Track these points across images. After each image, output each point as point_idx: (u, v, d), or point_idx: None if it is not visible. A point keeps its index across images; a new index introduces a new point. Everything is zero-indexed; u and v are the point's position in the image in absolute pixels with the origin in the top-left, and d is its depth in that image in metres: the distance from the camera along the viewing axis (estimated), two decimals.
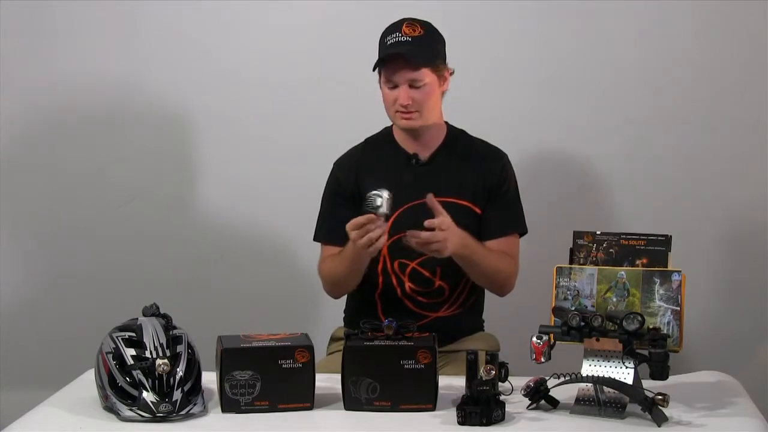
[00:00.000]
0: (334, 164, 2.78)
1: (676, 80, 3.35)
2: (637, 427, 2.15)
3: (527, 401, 2.26)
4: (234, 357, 2.24)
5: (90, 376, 2.36)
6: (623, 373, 2.20)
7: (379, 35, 2.68)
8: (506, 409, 2.18)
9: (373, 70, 2.65)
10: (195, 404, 2.24)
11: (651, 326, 2.21)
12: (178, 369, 2.23)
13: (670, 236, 2.35)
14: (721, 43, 3.33)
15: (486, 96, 3.33)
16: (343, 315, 2.86)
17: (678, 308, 2.28)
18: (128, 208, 3.48)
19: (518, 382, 2.27)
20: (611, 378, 2.21)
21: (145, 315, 2.34)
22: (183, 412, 2.21)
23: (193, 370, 2.26)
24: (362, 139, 2.82)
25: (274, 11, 3.42)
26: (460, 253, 2.57)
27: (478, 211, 2.71)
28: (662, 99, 3.36)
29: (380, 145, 2.78)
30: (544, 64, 3.37)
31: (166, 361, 2.21)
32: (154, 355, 2.22)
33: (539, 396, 2.26)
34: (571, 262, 2.40)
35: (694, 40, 3.34)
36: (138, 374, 2.21)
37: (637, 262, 2.35)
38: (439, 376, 2.30)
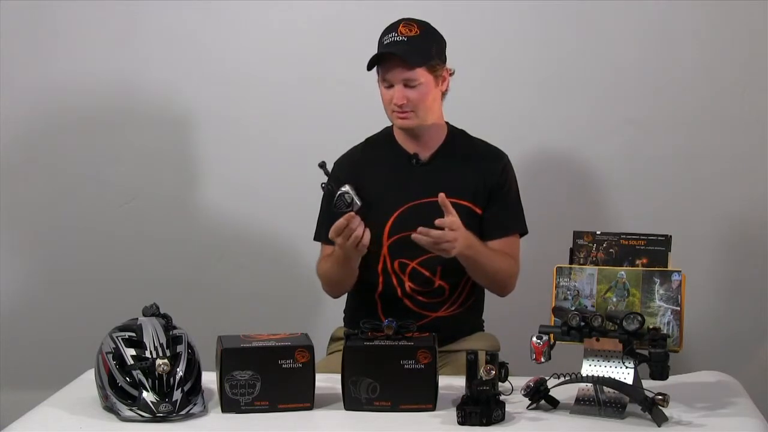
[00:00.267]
0: (335, 164, 2.78)
1: (676, 80, 3.36)
2: (637, 427, 2.15)
3: (527, 401, 2.26)
4: (234, 357, 2.24)
5: (90, 376, 2.36)
6: (623, 373, 2.20)
7: (380, 35, 2.68)
8: (506, 409, 2.18)
9: (368, 69, 2.65)
10: (195, 404, 2.24)
11: (651, 326, 2.21)
12: (178, 369, 2.23)
13: (670, 236, 2.35)
14: (721, 43, 3.33)
15: (486, 96, 3.33)
16: (343, 315, 2.86)
17: (678, 308, 2.28)
18: (128, 208, 3.49)
19: (518, 382, 2.26)
20: (611, 378, 2.21)
21: (145, 315, 2.34)
22: (183, 412, 2.21)
23: (193, 370, 2.26)
24: (362, 139, 2.82)
25: (275, 11, 3.43)
26: (465, 253, 2.57)
27: (478, 211, 2.71)
28: (662, 99, 3.36)
29: (380, 145, 2.78)
30: (544, 64, 3.37)
31: (166, 361, 2.21)
32: (154, 355, 2.22)
33: (539, 396, 2.26)
34: (571, 262, 2.40)
35: (694, 40, 3.34)
36: (138, 374, 2.21)
37: (637, 262, 2.35)
38: (439, 376, 2.30)
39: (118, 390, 2.21)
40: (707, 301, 3.35)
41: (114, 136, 3.47)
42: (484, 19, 3.36)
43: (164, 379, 2.20)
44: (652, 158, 3.38)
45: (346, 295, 2.82)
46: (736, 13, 3.31)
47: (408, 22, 2.66)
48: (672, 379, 2.19)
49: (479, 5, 3.35)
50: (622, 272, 2.33)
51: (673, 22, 3.34)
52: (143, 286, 3.23)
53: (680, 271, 2.29)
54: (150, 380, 2.20)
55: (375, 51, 2.66)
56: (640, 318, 2.18)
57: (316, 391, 2.27)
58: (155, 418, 2.19)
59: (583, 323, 2.23)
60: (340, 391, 2.26)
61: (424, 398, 2.24)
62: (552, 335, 2.26)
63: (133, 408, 2.19)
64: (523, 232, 2.77)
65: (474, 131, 2.79)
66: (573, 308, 2.29)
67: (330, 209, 2.59)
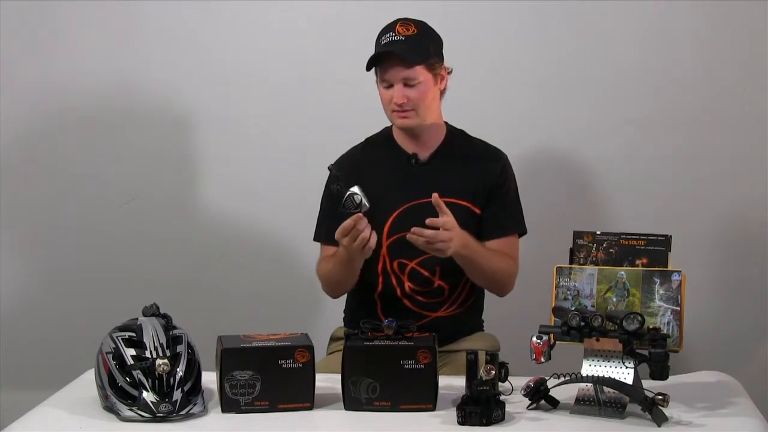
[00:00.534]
0: (334, 164, 2.77)
1: (676, 80, 3.36)
2: (637, 427, 2.15)
3: (527, 401, 2.26)
4: (234, 357, 2.24)
5: (90, 376, 2.36)
6: (623, 373, 2.20)
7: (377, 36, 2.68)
8: (506, 409, 2.18)
9: (367, 69, 2.65)
10: (195, 404, 2.24)
11: (651, 326, 2.21)
12: (178, 369, 2.23)
13: (670, 236, 2.35)
14: (721, 43, 3.33)
15: (486, 96, 3.33)
16: (343, 315, 2.86)
17: (678, 308, 2.27)
18: (128, 208, 3.48)
19: (518, 382, 2.26)
20: (611, 378, 2.21)
21: (145, 315, 2.34)
22: (183, 412, 2.21)
23: (193, 370, 2.26)
24: (362, 139, 2.82)
25: (275, 11, 3.43)
26: (461, 253, 2.57)
27: (477, 211, 2.71)
28: (662, 99, 3.36)
29: (380, 145, 2.79)
30: (544, 64, 3.37)
31: (166, 361, 2.21)
32: (154, 355, 2.22)
33: (539, 396, 2.26)
34: (571, 262, 2.40)
35: (694, 40, 3.34)
36: (138, 374, 2.21)
37: (637, 262, 2.35)
38: (439, 376, 2.30)
39: (118, 390, 2.21)
40: (707, 300, 3.35)
41: (114, 136, 3.47)
42: (484, 19, 3.36)
43: (164, 379, 2.20)
44: (652, 158, 3.38)
45: (345, 295, 2.82)
46: (736, 13, 3.31)
47: (405, 21, 2.66)
48: (672, 379, 2.19)
49: (479, 5, 3.35)
50: (622, 272, 2.33)
51: (673, 22, 3.34)
52: (143, 286, 3.23)
53: (680, 271, 2.29)
54: (150, 380, 2.20)
55: (374, 51, 2.66)
56: (640, 318, 2.18)
57: (316, 391, 2.27)
58: (155, 418, 2.19)
59: (583, 323, 2.23)
60: (340, 391, 2.26)
61: (424, 398, 2.24)
62: (552, 335, 2.26)
63: (133, 408, 2.19)
64: (522, 232, 2.77)
65: (474, 131, 2.79)
66: (573, 308, 2.29)
67: (333, 210, 2.58)
